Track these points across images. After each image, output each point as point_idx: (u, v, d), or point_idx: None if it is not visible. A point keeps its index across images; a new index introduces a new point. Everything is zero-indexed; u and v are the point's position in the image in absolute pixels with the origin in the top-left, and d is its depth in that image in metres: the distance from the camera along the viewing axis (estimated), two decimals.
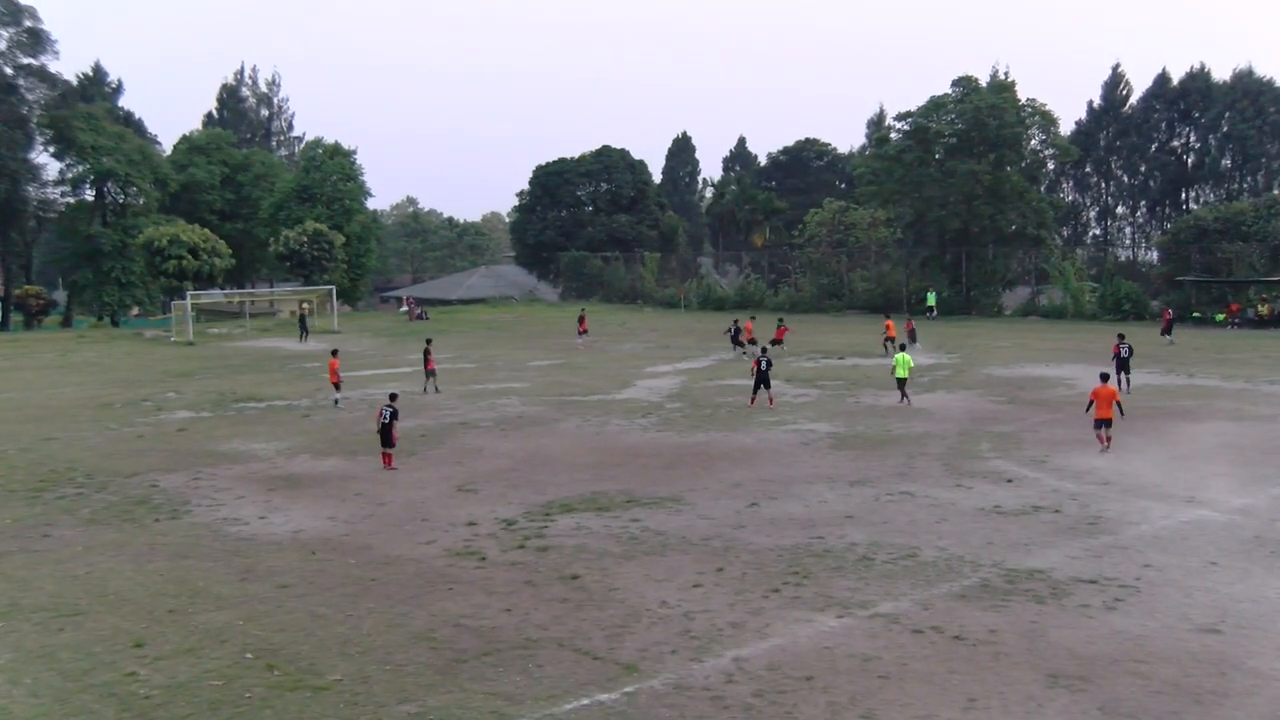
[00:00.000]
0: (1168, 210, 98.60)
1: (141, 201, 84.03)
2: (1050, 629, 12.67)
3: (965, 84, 78.07)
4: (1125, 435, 25.61)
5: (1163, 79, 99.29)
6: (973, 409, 30.46)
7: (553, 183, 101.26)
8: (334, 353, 34.79)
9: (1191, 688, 10.93)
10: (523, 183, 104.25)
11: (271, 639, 12.79)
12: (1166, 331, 49.90)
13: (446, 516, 18.76)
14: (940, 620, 12.94)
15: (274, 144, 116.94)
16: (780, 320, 51.08)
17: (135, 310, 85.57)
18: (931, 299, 71.05)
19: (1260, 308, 63.15)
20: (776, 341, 45.27)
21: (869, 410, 30.60)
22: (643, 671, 11.55)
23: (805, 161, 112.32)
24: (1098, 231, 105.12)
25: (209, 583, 15.13)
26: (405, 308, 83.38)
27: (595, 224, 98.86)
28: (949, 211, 75.59)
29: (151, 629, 13.24)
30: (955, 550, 15.99)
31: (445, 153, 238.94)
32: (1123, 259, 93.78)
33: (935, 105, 78.04)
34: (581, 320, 54.76)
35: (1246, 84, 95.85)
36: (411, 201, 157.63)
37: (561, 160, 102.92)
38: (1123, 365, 33.14)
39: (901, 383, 31.19)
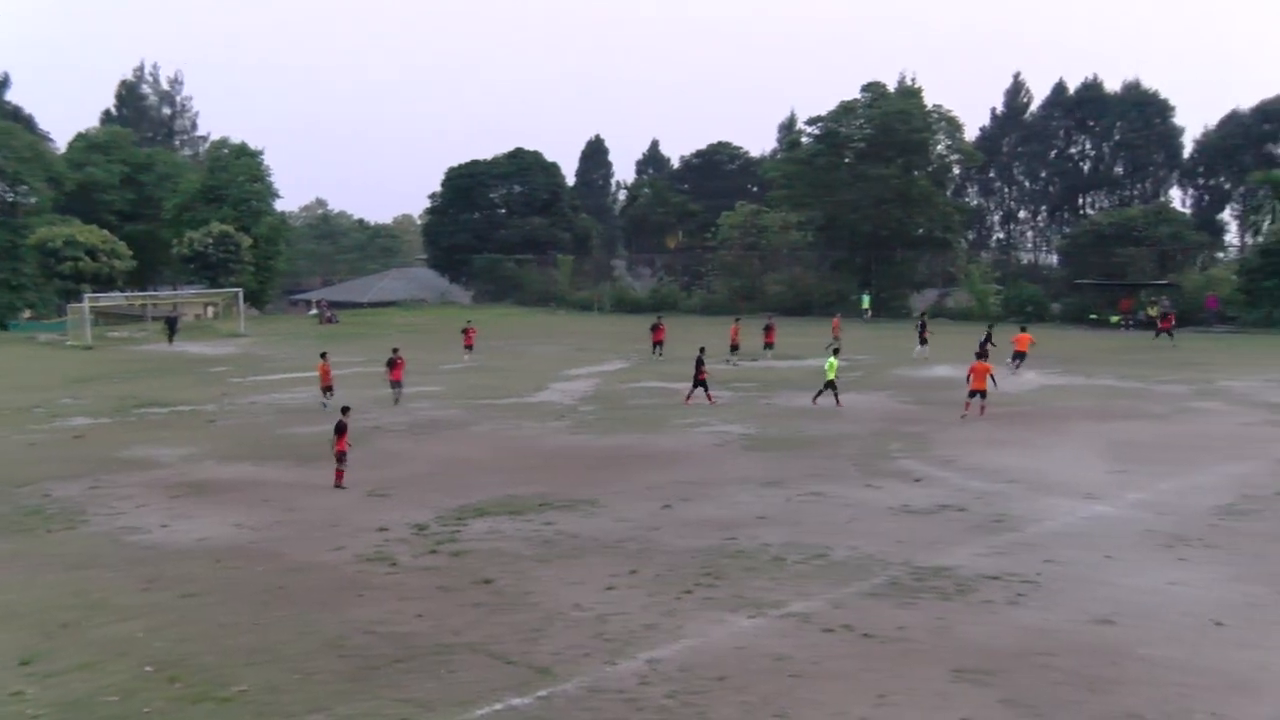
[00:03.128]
0: (1066, 215, 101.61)
1: (34, 201, 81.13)
2: (957, 624, 12.91)
3: (874, 89, 79.50)
4: (1028, 434, 26.37)
5: (1060, 88, 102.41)
6: (884, 410, 30.96)
7: (466, 185, 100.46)
8: (323, 355, 33.60)
9: (1089, 677, 11.24)
10: (435, 184, 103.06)
11: (174, 650, 12.41)
12: (1169, 333, 51.34)
13: (358, 522, 18.44)
14: (851, 618, 13.10)
15: (177, 143, 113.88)
16: (767, 325, 48.52)
17: (27, 314, 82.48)
18: (866, 301, 72.36)
19: (1149, 310, 65.39)
20: (769, 345, 46.10)
21: (783, 412, 30.92)
22: (557, 675, 11.49)
23: (718, 164, 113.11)
24: (1001, 235, 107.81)
25: (108, 594, 14.63)
26: (316, 310, 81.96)
27: (509, 226, 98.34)
28: (860, 215, 76.84)
29: (43, 644, 12.73)
30: (866, 549, 16.21)
31: (356, 154, 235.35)
32: (1025, 262, 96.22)
33: (845, 110, 79.32)
34: (467, 333, 46.87)
35: (1135, 95, 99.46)
36: (321, 203, 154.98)
37: (474, 162, 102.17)
38: (1019, 356, 39.13)
39: (830, 384, 31.29)
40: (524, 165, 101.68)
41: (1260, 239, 69.83)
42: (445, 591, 14.51)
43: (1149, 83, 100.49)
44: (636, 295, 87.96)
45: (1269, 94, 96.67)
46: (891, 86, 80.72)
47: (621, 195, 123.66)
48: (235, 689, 11.22)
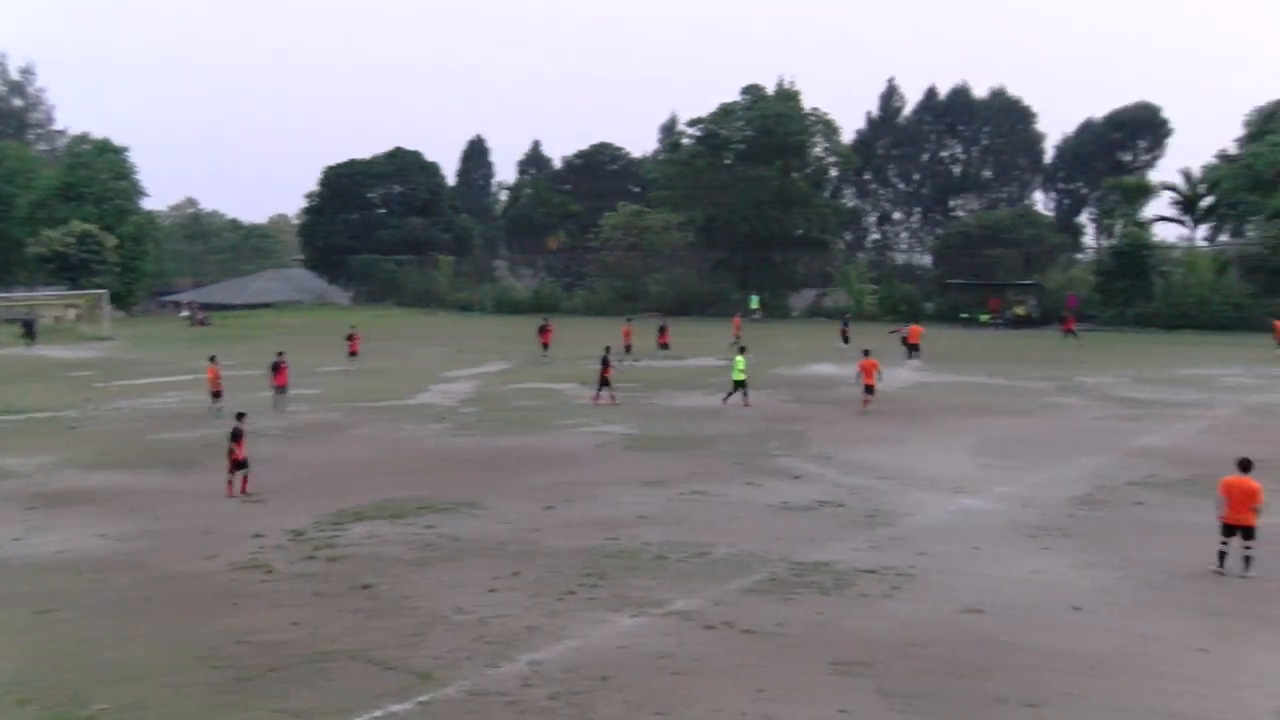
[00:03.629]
0: (938, 217, 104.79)
1: None
2: (835, 618, 13.20)
3: (753, 92, 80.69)
4: (901, 430, 27.11)
5: (931, 94, 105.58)
6: (763, 408, 31.41)
7: (343, 184, 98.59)
8: (212, 359, 32.11)
9: (958, 664, 11.62)
10: (311, 184, 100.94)
11: (25, 670, 11.81)
12: (1073, 334, 53.78)
13: (231, 529, 17.92)
14: (732, 615, 13.28)
15: (31, 138, 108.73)
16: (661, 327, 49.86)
17: None
18: (755, 302, 73.41)
19: (1016, 309, 68.05)
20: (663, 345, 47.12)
21: (665, 411, 31.15)
22: (438, 679, 11.36)
23: (599, 165, 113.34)
24: (877, 236, 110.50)
25: None
26: (187, 312, 79.39)
27: (388, 226, 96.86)
28: (740, 215, 77.89)
29: None
30: (746, 547, 16.44)
31: (227, 153, 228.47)
32: (900, 262, 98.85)
33: (725, 112, 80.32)
34: (352, 340, 45.40)
35: (1001, 102, 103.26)
36: (192, 202, 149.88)
37: (352, 162, 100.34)
38: (913, 349, 42.94)
39: (739, 384, 31.51)
40: (403, 165, 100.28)
41: (1114, 241, 73.17)
42: (322, 598, 14.21)
43: (1013, 90, 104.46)
44: (518, 296, 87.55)
45: (1119, 104, 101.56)
46: (770, 89, 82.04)
47: (503, 195, 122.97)
48: (96, 708, 10.76)
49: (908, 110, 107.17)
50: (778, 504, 19.39)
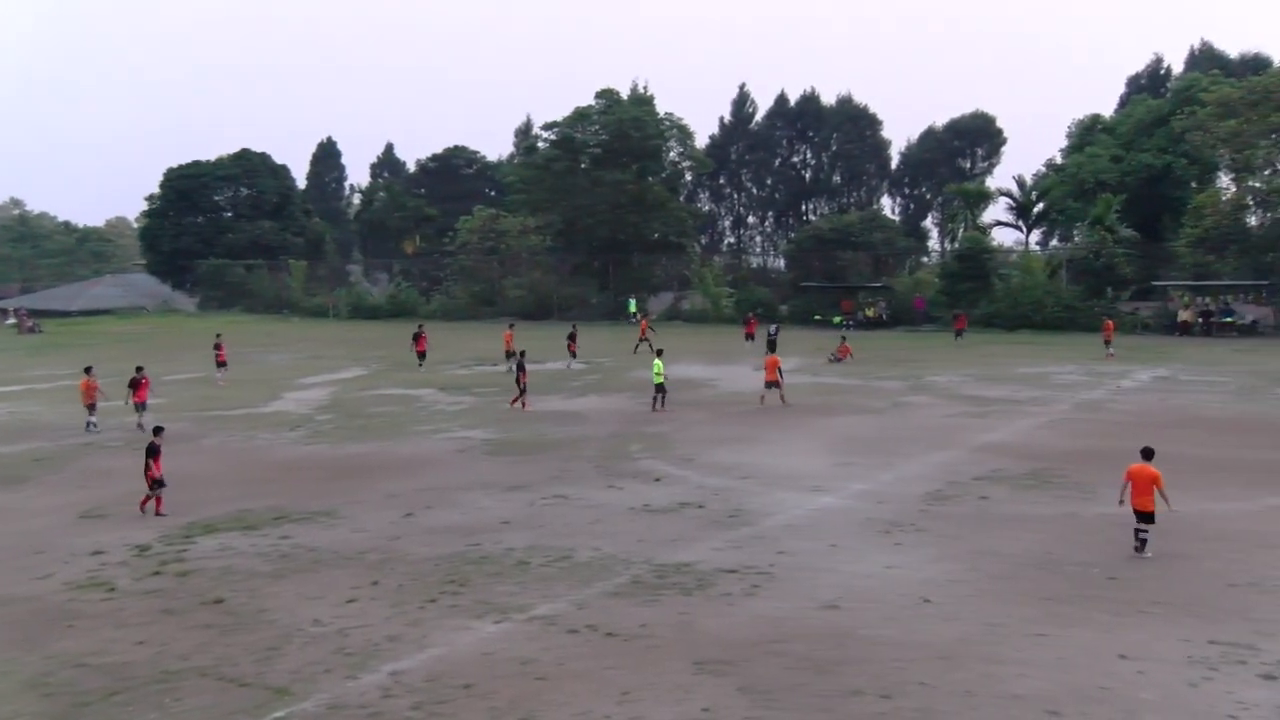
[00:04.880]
0: (791, 221, 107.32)
1: None
2: (697, 619, 13.34)
3: (608, 96, 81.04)
4: (760, 431, 27.61)
5: (782, 100, 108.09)
6: (624, 411, 31.57)
7: (187, 186, 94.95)
8: (88, 370, 29.83)
9: (817, 660, 11.90)
10: (152, 186, 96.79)
11: None
12: (960, 334, 56.49)
13: (67, 546, 17.04)
14: (595, 618, 13.29)
15: None
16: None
17: None
18: (633, 306, 73.83)
19: (868, 310, 70.24)
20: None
21: (525, 416, 30.98)
22: (295, 694, 11.04)
23: (455, 169, 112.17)
24: (733, 239, 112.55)
25: None
26: (14, 319, 75.18)
27: (237, 230, 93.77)
28: (597, 219, 78.13)
29: None
30: (609, 549, 16.48)
31: (57, 152, 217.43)
32: (755, 265, 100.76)
33: (580, 116, 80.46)
34: (219, 347, 42.05)
35: (849, 109, 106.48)
36: (17, 203, 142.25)
37: (196, 163, 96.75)
38: (771, 345, 44.09)
39: (660, 387, 31.52)
40: (251, 167, 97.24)
41: (956, 245, 76.20)
42: (170, 615, 13.65)
43: (860, 97, 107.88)
44: (374, 301, 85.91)
45: (958, 113, 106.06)
46: (625, 94, 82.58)
47: (356, 199, 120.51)
48: None
49: (759, 116, 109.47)
50: (640, 506, 19.50)
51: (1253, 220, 67.74)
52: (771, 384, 32.34)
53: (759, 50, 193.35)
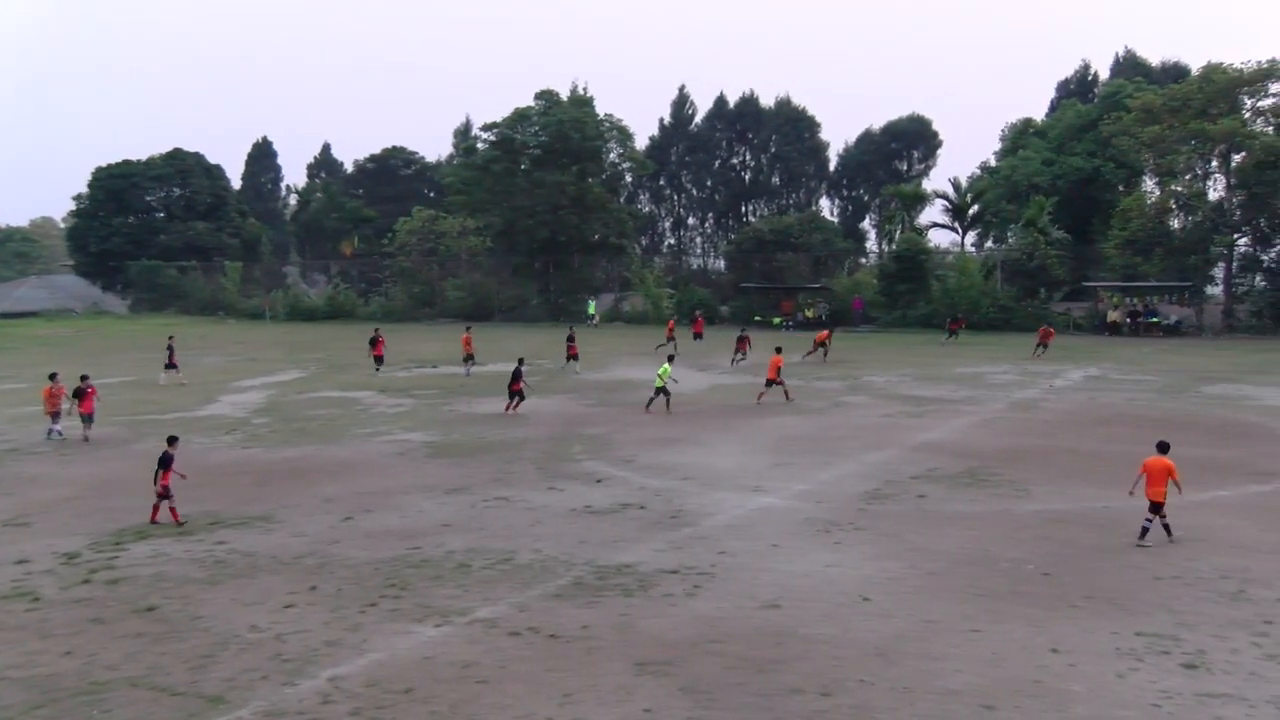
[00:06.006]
0: (731, 222, 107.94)
1: None
2: (638, 620, 13.37)
3: (548, 97, 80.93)
4: (701, 431, 27.75)
5: (721, 102, 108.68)
6: (565, 413, 31.54)
7: (118, 186, 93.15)
8: (52, 377, 28.41)
9: (757, 659, 11.99)
10: (80, 185, 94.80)
11: None
12: (955, 334, 56.91)
13: None
14: (537, 621, 13.27)
15: None
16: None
17: None
18: (591, 308, 73.84)
19: (807, 311, 70.90)
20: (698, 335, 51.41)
21: (465, 418, 30.83)
22: (230, 702, 10.88)
23: (393, 170, 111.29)
24: (673, 241, 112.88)
25: None
26: None
27: (170, 231, 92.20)
28: (537, 221, 78.00)
29: None
30: (550, 551, 16.46)
31: None
32: (695, 267, 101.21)
33: (520, 117, 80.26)
34: (171, 352, 41.52)
35: (787, 111, 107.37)
36: None
37: (127, 163, 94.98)
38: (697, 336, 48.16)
39: (661, 390, 31.44)
40: (183, 167, 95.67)
41: (894, 246, 77.22)
42: (100, 624, 13.36)
43: (798, 100, 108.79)
44: (312, 303, 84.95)
45: (895, 115, 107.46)
46: (565, 95, 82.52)
47: (293, 200, 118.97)
48: None
49: (699, 118, 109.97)
50: (581, 508, 19.49)
51: (1176, 223, 69.50)
52: (773, 382, 33.01)
53: (699, 53, 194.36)
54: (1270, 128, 65.75)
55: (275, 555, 16.40)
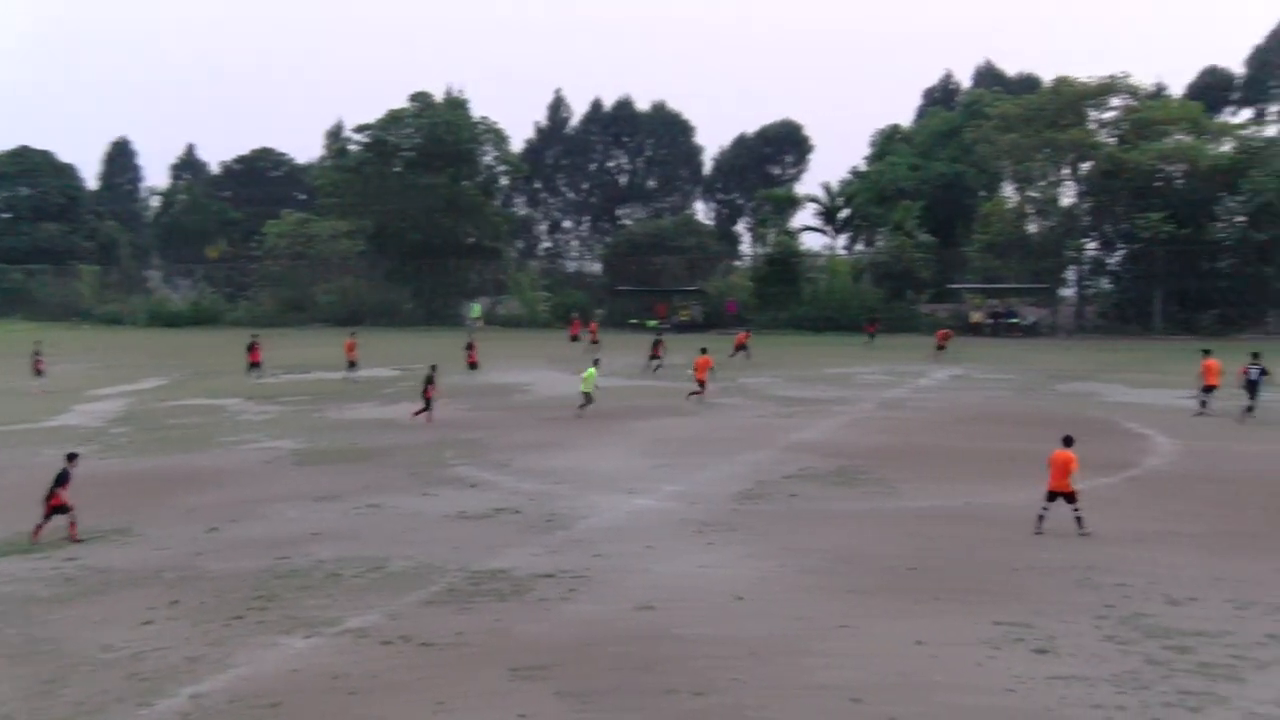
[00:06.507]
0: (607, 225, 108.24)
1: None
2: (513, 624, 13.28)
3: (422, 99, 79.96)
4: (577, 435, 27.73)
5: (597, 105, 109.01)
6: (439, 418, 31.11)
7: None
8: None
9: (632, 661, 12.03)
10: None
11: None
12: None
13: None
14: (409, 629, 13.06)
15: None
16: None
17: None
18: (476, 310, 73.04)
19: (682, 314, 71.66)
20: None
21: (336, 424, 30.19)
22: None
23: (261, 171, 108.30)
24: (549, 244, 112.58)
25: None
26: None
27: (16, 233, 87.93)
28: (410, 224, 77.02)
29: None
30: (423, 558, 16.21)
31: None
32: (572, 270, 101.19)
33: (393, 118, 79.12)
34: (37, 360, 39.58)
35: (663, 115, 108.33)
36: None
37: None
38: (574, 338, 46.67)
39: (587, 395, 31.06)
40: (31, 166, 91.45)
41: (767, 249, 78.62)
42: None
43: (673, 104, 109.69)
44: (175, 308, 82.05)
45: (768, 120, 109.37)
46: (439, 97, 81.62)
47: (154, 201, 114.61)
48: None
49: (575, 121, 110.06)
50: (454, 513, 19.27)
51: (1033, 228, 72.58)
52: (702, 382, 33.67)
53: (575, 57, 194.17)
54: (1113, 139, 69.18)
55: (133, 570, 15.76)
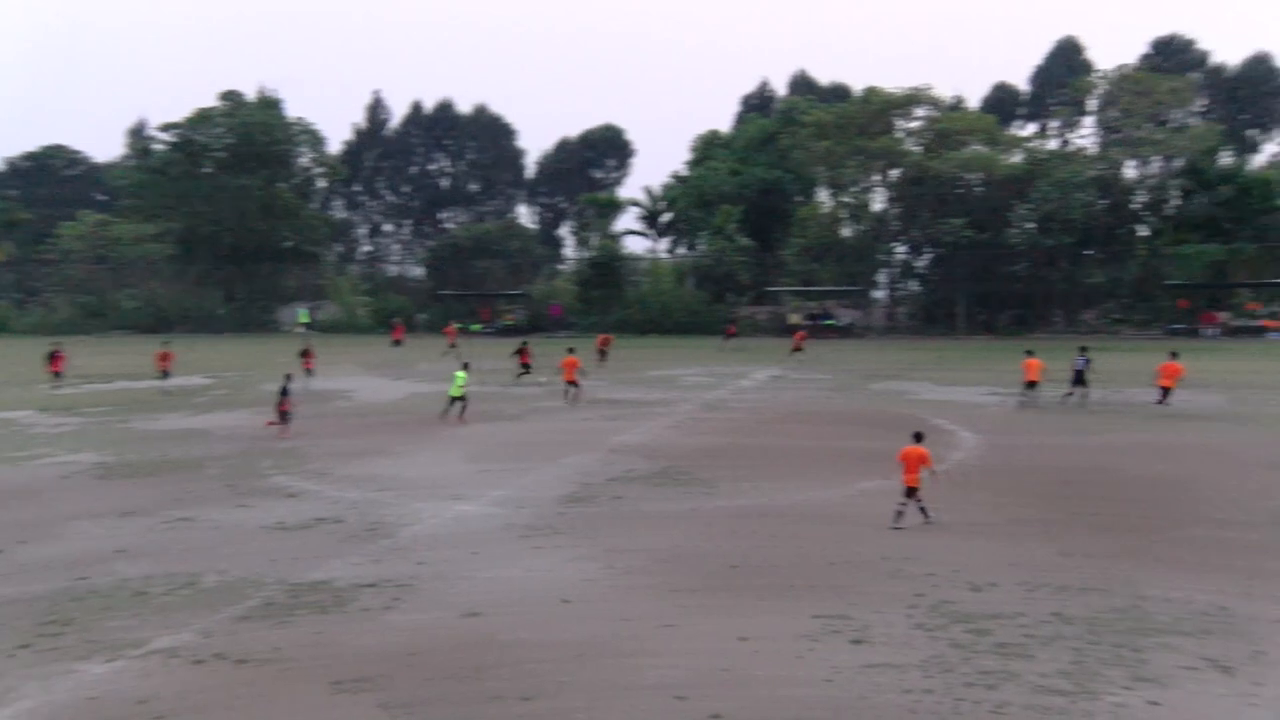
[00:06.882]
0: (428, 229, 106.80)
1: None
2: (335, 637, 12.92)
3: (232, 98, 77.14)
4: (399, 441, 27.21)
5: (417, 108, 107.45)
6: (253, 427, 30.05)
7: None
8: None
9: (457, 669, 11.88)
10: None
11: None
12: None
13: None
14: (223, 646, 12.53)
15: None
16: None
17: None
18: (304, 316, 70.47)
19: (506, 318, 71.42)
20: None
21: (143, 436, 28.72)
22: None
23: (54, 170, 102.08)
24: (369, 248, 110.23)
25: None
26: None
27: None
28: (222, 227, 74.26)
29: None
30: (238, 572, 15.59)
31: None
32: (393, 274, 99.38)
33: (202, 117, 76.09)
34: None
35: (484, 118, 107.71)
36: None
37: None
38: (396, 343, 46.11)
39: (457, 399, 30.43)
40: None
41: (590, 253, 79.12)
42: None
43: (495, 108, 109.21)
44: None
45: (590, 125, 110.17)
46: (251, 96, 78.83)
47: None
48: None
49: (394, 123, 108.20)
50: (272, 524, 18.61)
51: (847, 232, 75.50)
52: (571, 384, 34.53)
53: (394, 59, 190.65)
54: (919, 147, 72.71)
55: None
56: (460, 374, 31.18)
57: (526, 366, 41.80)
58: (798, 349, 50.19)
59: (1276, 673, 11.40)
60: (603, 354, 47.93)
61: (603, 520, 18.89)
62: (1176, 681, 11.14)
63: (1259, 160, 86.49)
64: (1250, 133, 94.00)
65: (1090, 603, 13.66)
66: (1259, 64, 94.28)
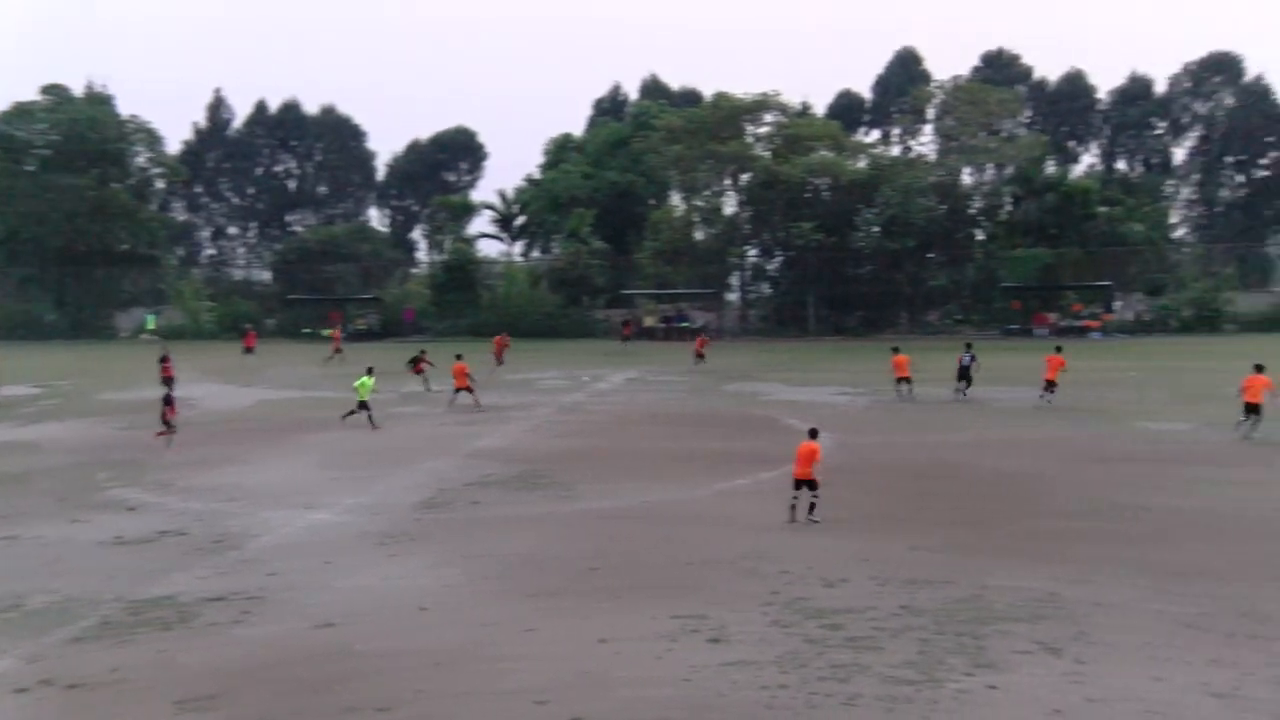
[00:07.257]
0: (276, 232, 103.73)
1: None
2: (179, 654, 12.38)
3: (56, 93, 73.51)
4: (248, 449, 26.37)
5: (262, 107, 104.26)
6: (88, 438, 28.65)
7: None
8: None
9: (311, 681, 11.53)
10: None
11: None
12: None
13: None
14: (52, 671, 11.84)
15: None
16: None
17: None
18: (151, 322, 67.10)
19: (358, 323, 69.92)
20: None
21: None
22: None
23: None
24: (213, 251, 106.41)
25: None
26: None
27: None
28: (49, 228, 70.50)
29: None
30: (71, 591, 14.79)
31: None
32: (239, 278, 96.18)
33: (22, 112, 72.21)
34: None
35: (332, 119, 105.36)
36: None
37: None
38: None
39: (363, 404, 29.45)
40: None
41: (444, 256, 78.21)
42: None
43: (343, 108, 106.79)
44: None
45: (441, 127, 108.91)
46: (78, 91, 75.18)
47: None
48: None
49: (238, 123, 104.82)
50: (110, 539, 17.73)
51: (700, 235, 76.63)
52: (462, 389, 33.73)
53: (236, 58, 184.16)
54: (768, 152, 74.37)
55: None
56: (366, 379, 30.52)
57: (422, 375, 40.22)
58: (700, 355, 48.87)
59: (1096, 650, 12.04)
60: (499, 359, 47.39)
61: (460, 526, 18.66)
62: (1012, 665, 11.64)
63: (1078, 170, 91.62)
64: (1070, 144, 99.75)
65: (936, 595, 14.15)
66: (1075, 80, 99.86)
